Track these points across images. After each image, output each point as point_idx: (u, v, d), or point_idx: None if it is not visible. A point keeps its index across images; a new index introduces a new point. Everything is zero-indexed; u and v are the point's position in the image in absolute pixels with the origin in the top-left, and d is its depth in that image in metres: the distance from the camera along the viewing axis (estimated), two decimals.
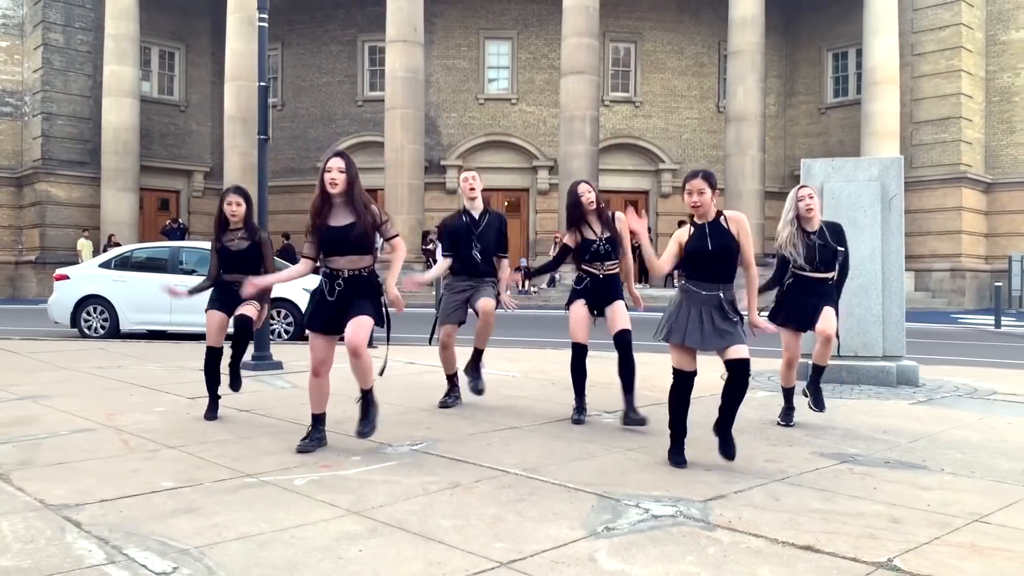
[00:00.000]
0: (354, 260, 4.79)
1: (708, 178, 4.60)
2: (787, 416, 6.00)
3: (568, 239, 6.00)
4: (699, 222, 4.66)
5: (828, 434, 5.63)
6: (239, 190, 6.16)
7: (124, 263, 12.90)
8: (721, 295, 4.58)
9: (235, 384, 6.19)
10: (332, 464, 4.61)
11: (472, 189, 6.51)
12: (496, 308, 6.45)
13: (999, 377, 8.87)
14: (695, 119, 28.35)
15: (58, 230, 25.99)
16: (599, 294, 5.93)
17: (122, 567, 3.02)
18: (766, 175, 24.99)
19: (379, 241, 4.96)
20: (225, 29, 24.73)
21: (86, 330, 12.57)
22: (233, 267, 6.01)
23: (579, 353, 5.92)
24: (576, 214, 5.92)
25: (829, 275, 5.80)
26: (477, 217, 6.50)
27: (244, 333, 6.05)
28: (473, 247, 6.39)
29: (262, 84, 8.92)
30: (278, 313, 11.95)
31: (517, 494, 4.02)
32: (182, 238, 23.82)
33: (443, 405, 6.56)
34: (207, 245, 14.12)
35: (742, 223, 4.71)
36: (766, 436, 5.58)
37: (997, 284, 18.74)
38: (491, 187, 27.30)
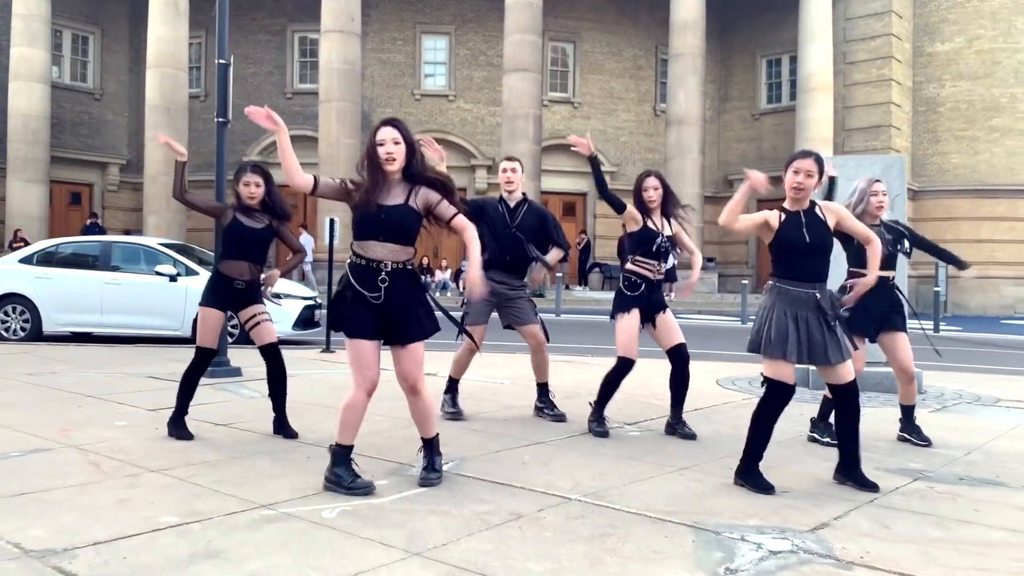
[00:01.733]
0: (397, 251, 3.91)
1: (820, 162, 4.11)
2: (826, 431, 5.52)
3: (631, 222, 5.34)
4: (792, 208, 4.15)
5: (874, 447, 5.23)
6: (257, 168, 5.34)
7: (48, 259, 11.70)
8: (817, 295, 4.08)
9: (286, 430, 5.25)
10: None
11: (510, 182, 5.85)
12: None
13: (987, 383, 8.73)
14: (633, 122, 28.22)
15: None
16: (651, 300, 5.36)
17: None
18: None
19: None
20: (145, 13, 23.31)
21: (4, 332, 11.37)
22: (243, 250, 5.23)
23: (624, 369, 5.32)
24: (639, 205, 5.35)
25: (890, 274, 5.36)
26: (513, 206, 5.84)
27: (278, 364, 5.32)
28: (506, 237, 5.73)
29: (222, 62, 8.10)
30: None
31: (597, 527, 3.44)
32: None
33: (453, 416, 5.88)
34: (143, 240, 13.09)
35: (840, 212, 4.26)
36: (812, 451, 5.14)
37: (936, 290, 19.10)
38: None
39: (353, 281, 3.94)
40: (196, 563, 2.96)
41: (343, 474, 3.91)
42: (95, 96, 27.35)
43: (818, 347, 4.03)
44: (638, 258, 5.35)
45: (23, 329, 11.37)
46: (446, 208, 3.97)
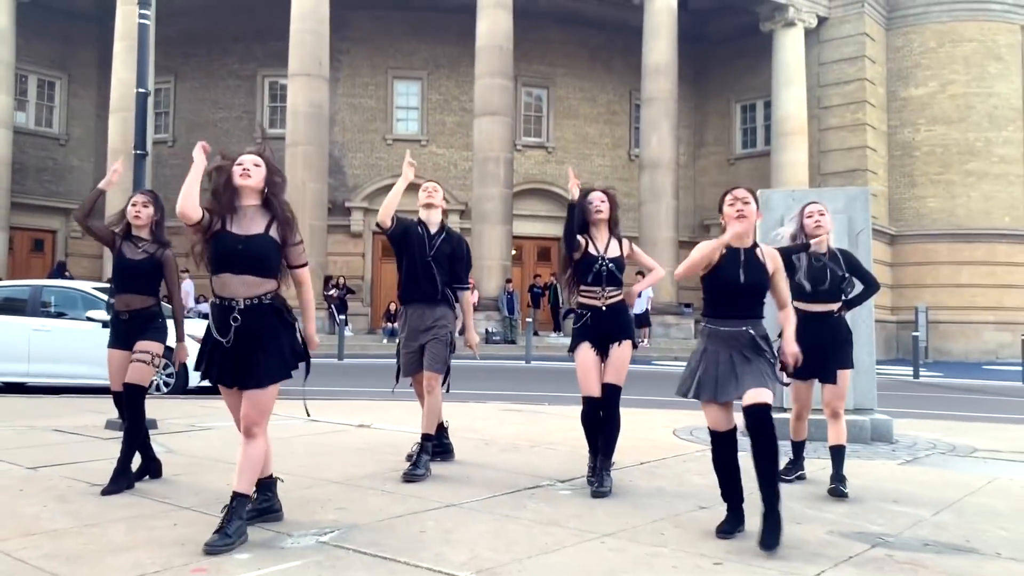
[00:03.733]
0: (252, 283, 3.64)
1: (753, 193, 3.73)
2: (791, 471, 5.18)
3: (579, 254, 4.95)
4: (734, 245, 3.77)
5: (831, 506, 4.64)
6: (148, 191, 5.18)
7: None
8: (751, 330, 3.70)
9: (121, 481, 4.71)
10: (209, 568, 3.30)
11: (430, 197, 5.43)
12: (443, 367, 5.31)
13: (963, 431, 8.18)
14: (608, 166, 27.94)
15: None
16: (601, 331, 4.87)
17: None
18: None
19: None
20: (112, 59, 22.95)
21: None
22: (124, 282, 4.93)
23: (589, 409, 4.91)
24: (581, 220, 4.88)
25: (832, 306, 4.95)
26: (433, 232, 5.39)
27: (134, 407, 4.84)
28: (424, 263, 5.29)
29: (141, 91, 7.57)
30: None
31: None
32: None
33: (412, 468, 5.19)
34: (75, 284, 12.46)
35: (778, 263, 3.89)
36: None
37: (915, 334, 18.65)
38: None
39: (210, 321, 3.66)
40: None
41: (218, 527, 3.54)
42: (60, 142, 26.87)
43: (729, 380, 3.68)
44: (581, 287, 4.95)
45: None
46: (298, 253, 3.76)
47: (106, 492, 4.60)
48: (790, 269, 4.58)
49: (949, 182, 26.24)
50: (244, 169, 3.67)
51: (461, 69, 25.66)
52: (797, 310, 4.61)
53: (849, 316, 7.09)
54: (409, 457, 5.38)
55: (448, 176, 26.32)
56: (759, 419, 3.64)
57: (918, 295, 25.81)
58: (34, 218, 25.90)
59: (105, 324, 10.28)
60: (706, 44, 28.62)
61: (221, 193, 3.68)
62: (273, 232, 3.69)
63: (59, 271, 23.54)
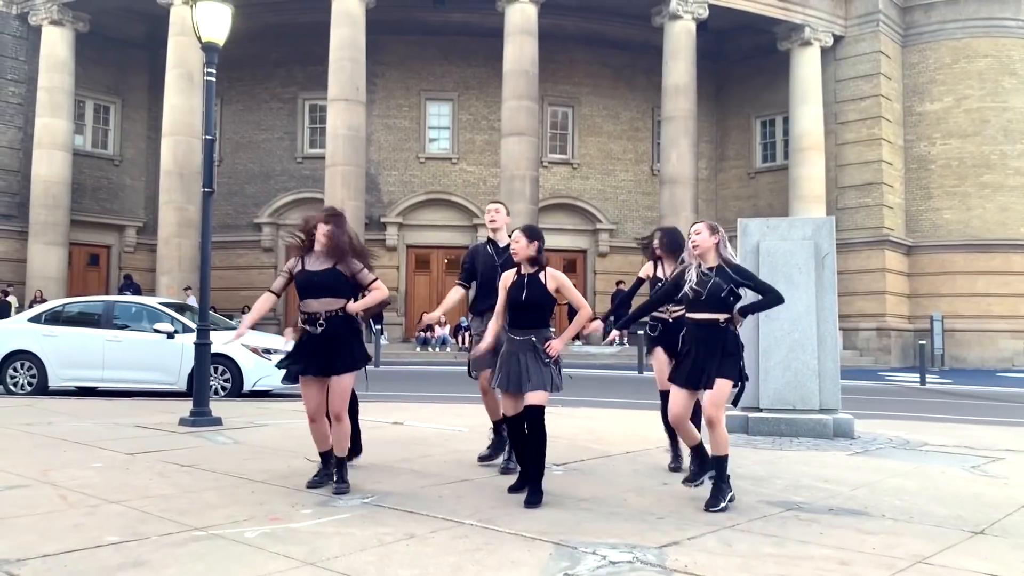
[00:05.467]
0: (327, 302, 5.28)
1: (529, 232, 5.22)
2: (697, 475, 5.33)
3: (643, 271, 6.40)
4: (523, 271, 5.21)
5: (772, 483, 5.75)
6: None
7: (55, 318, 12.50)
8: (534, 339, 5.11)
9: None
10: (282, 517, 4.53)
11: (493, 220, 6.39)
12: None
13: (928, 430, 9.17)
14: (631, 181, 29.06)
15: None
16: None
17: None
18: None
19: None
20: (162, 84, 24.57)
21: (12, 387, 12.10)
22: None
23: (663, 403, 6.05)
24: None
25: (716, 316, 5.00)
26: (503, 247, 6.12)
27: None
28: (491, 274, 6.02)
29: (208, 137, 8.89)
30: (215, 369, 11.56)
31: (474, 543, 4.02)
32: (137, 294, 23.24)
33: (486, 459, 6.32)
34: (142, 299, 13.88)
35: (560, 280, 5.23)
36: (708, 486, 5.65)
37: (921, 343, 19.47)
38: (431, 244, 27.51)
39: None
40: (124, 570, 3.57)
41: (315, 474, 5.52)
42: (114, 162, 28.61)
43: (521, 377, 5.06)
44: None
45: (30, 384, 12.10)
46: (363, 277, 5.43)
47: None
48: (679, 283, 5.20)
49: (965, 194, 26.92)
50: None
51: (490, 90, 26.95)
52: (687, 318, 5.20)
53: (816, 327, 8.19)
54: (481, 458, 6.34)
55: (477, 192, 27.62)
56: (534, 415, 5.03)
57: (935, 304, 26.51)
58: (90, 234, 27.62)
59: (170, 335, 11.67)
60: (726, 62, 29.64)
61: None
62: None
63: (128, 285, 25.17)
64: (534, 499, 4.91)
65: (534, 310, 5.15)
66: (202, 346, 8.63)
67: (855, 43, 26.96)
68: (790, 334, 8.19)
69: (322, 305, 5.25)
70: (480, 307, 6.30)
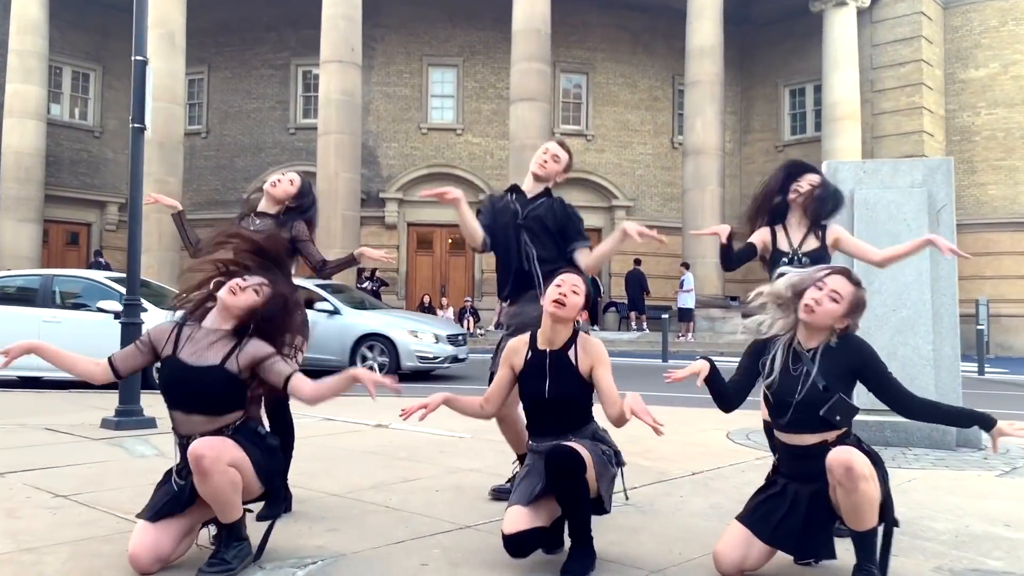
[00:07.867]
0: None
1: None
2: None
3: (756, 237, 4.21)
4: (540, 347, 3.26)
5: (932, 533, 3.81)
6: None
7: None
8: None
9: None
10: None
11: (544, 164, 4.29)
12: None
13: None
14: (649, 155, 26.99)
15: None
16: None
17: None
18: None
19: None
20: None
21: None
22: None
23: None
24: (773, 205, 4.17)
25: (820, 438, 3.10)
26: (531, 198, 4.27)
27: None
28: (519, 243, 4.16)
29: (139, 59, 6.97)
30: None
31: None
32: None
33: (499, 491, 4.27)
34: (88, 273, 11.98)
35: (597, 355, 3.31)
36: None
37: (979, 328, 17.50)
38: (434, 222, 25.44)
39: None
40: None
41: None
42: (95, 134, 26.66)
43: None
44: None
45: None
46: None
47: None
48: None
49: (1012, 168, 24.85)
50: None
51: (497, 55, 24.91)
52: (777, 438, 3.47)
53: (931, 302, 6.23)
54: (496, 492, 4.30)
55: (484, 166, 25.63)
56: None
57: (979, 287, 24.48)
58: (69, 211, 25.71)
59: (117, 315, 9.73)
60: (751, 26, 27.48)
61: None
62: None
63: (96, 263, 23.27)
64: (577, 568, 3.01)
65: (563, 408, 3.25)
66: (128, 325, 6.73)
67: (894, 4, 24.82)
68: (896, 311, 6.23)
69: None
70: (504, 291, 4.28)
